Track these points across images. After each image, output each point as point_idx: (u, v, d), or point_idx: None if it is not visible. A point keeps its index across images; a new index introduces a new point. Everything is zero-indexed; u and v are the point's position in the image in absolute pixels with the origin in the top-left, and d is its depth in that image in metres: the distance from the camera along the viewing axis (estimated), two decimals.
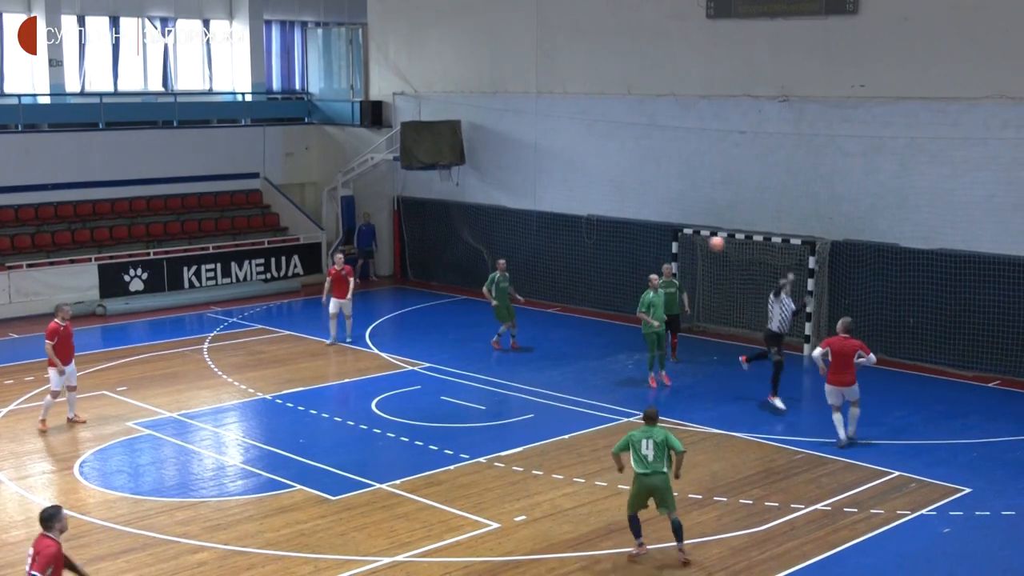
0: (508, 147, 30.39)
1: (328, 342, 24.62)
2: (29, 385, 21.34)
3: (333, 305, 24.57)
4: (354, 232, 33.36)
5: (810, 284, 23.78)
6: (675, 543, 13.56)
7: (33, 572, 10.64)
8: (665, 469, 13.47)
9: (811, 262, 23.88)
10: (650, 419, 13.81)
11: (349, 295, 24.58)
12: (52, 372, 18.87)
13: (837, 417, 17.93)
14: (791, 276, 20.97)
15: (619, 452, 13.74)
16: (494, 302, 24.19)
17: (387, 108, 33.34)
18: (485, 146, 30.95)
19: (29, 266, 28.17)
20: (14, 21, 29.87)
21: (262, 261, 31.63)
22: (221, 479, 16.75)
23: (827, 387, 17.80)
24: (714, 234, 24.19)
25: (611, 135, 28.10)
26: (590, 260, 28.45)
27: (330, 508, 15.39)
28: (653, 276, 21.77)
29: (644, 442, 13.51)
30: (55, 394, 18.88)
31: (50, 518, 10.99)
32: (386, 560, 13.65)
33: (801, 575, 13.38)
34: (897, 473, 16.65)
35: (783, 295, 20.10)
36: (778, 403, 19.81)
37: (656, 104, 27.10)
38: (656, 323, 20.90)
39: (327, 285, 24.78)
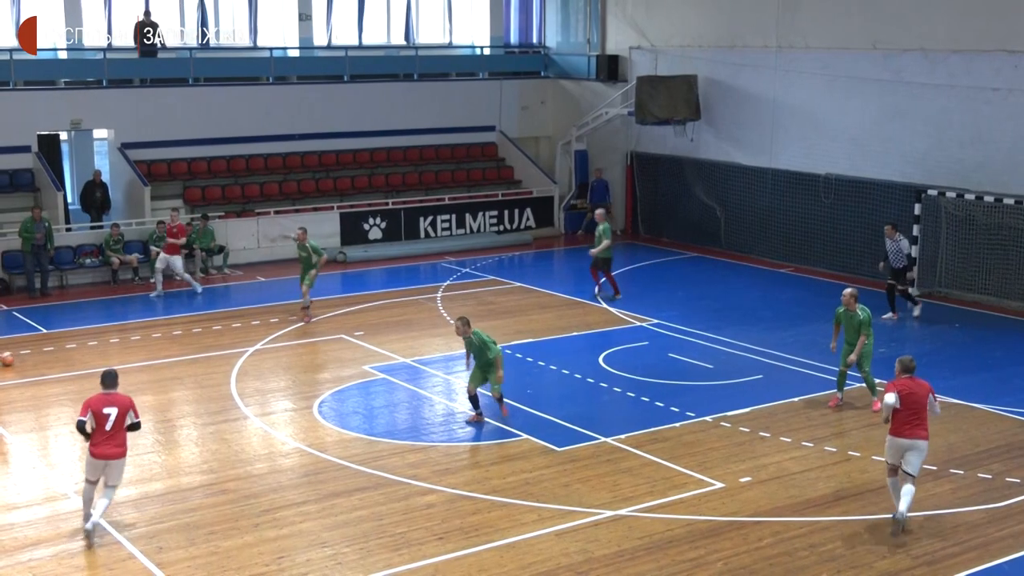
0: (745, 103, 29.78)
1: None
2: (274, 326, 22.36)
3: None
4: (587, 186, 33.45)
5: None
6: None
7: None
8: None
9: None
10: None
11: None
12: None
13: (893, 481, 13.55)
14: None
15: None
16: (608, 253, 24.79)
17: (623, 62, 33.16)
18: (721, 102, 30.42)
19: (276, 212, 29.44)
20: None
21: (495, 213, 32.11)
22: (450, 425, 17.18)
23: (891, 440, 13.32)
24: (960, 196, 23.22)
25: (853, 91, 27.14)
26: (826, 220, 27.65)
27: (555, 459, 15.57)
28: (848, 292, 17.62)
29: None
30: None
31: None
32: (608, 513, 13.74)
33: None
34: None
35: None
36: None
37: (903, 59, 26.00)
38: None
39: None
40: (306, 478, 15.02)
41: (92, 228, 27.86)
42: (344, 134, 31.92)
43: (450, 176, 33.06)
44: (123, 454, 12.99)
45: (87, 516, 12.98)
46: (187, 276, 25.54)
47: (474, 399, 17.07)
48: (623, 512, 13.76)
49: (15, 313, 23.88)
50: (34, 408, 18.00)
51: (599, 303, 24.45)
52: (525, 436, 16.40)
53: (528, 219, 32.61)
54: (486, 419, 17.07)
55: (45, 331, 22.43)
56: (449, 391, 18.86)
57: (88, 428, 12.74)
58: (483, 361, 16.87)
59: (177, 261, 25.29)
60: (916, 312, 23.10)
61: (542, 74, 35.66)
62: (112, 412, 12.78)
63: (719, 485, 14.57)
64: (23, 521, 13.63)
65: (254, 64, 31.46)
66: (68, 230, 27.47)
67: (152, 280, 25.71)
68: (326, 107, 31.53)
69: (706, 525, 13.42)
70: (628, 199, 33.23)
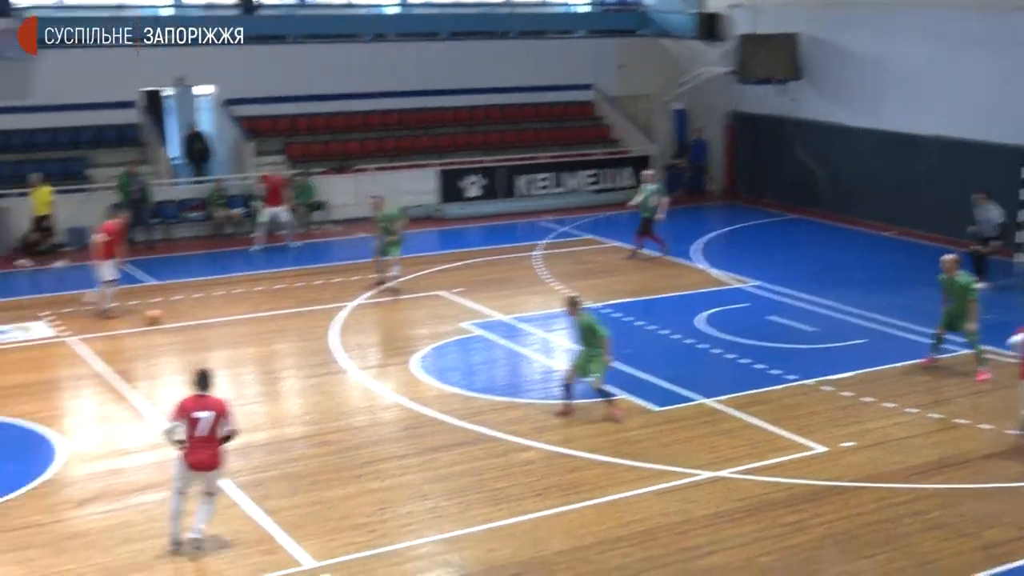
0: (848, 62, 29.18)
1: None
2: (374, 282, 22.57)
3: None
4: (686, 146, 33.15)
5: None
6: None
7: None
8: None
9: None
10: None
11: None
12: (102, 264, 20.15)
13: None
14: None
15: None
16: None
17: (723, 20, 32.68)
18: (824, 60, 29.86)
19: (376, 169, 29.64)
20: None
21: (593, 172, 31.97)
22: (548, 383, 17.21)
23: None
24: None
25: (962, 50, 26.41)
26: (932, 182, 27.05)
27: (654, 419, 15.54)
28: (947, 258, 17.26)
29: None
30: (109, 283, 20.22)
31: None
32: (707, 474, 13.68)
33: None
34: None
35: None
36: None
37: (1015, 17, 25.23)
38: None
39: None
40: (406, 432, 15.19)
41: (195, 183, 28.34)
42: (443, 91, 31.97)
43: (548, 134, 32.98)
44: (218, 464, 11.81)
45: (173, 536, 11.73)
46: (289, 228, 25.97)
47: (568, 388, 15.77)
48: (723, 473, 13.70)
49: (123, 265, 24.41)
50: (144, 357, 18.45)
51: (666, 257, 24.63)
52: (623, 395, 16.36)
53: (626, 178, 32.41)
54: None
55: (152, 282, 22.92)
56: (547, 349, 18.89)
57: (180, 435, 11.68)
58: (587, 345, 15.46)
59: (281, 213, 25.65)
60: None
61: (640, 32, 35.29)
62: (205, 416, 11.66)
63: (821, 449, 14.42)
64: (134, 466, 14.00)
65: (353, 22, 31.61)
66: (173, 184, 27.96)
67: (254, 234, 26.11)
68: (424, 65, 31.59)
69: (807, 489, 13.30)
70: (728, 159, 32.87)
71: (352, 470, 13.87)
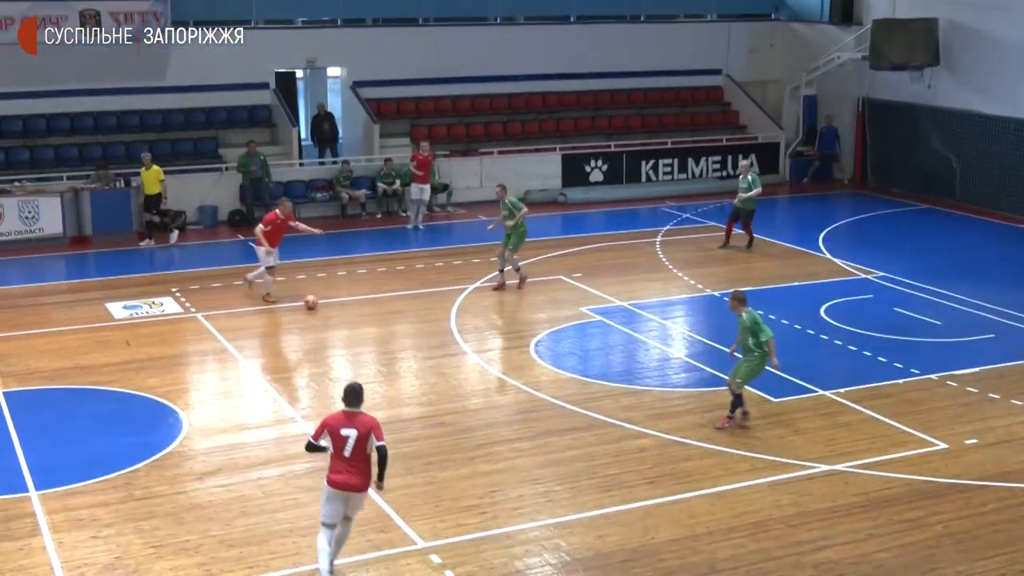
0: (990, 48, 28.24)
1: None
2: (494, 265, 22.64)
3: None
4: (815, 133, 32.54)
5: None
6: None
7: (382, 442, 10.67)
8: None
9: None
10: None
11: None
12: (258, 249, 20.28)
13: None
14: None
15: None
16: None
17: (858, 4, 31.96)
18: (963, 46, 28.95)
19: (500, 152, 29.75)
20: None
21: (719, 158, 31.59)
22: (665, 370, 17.12)
23: None
24: None
25: None
26: None
27: (771, 409, 15.32)
28: None
29: None
30: (270, 270, 20.26)
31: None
32: (824, 467, 13.45)
33: None
34: None
35: None
36: None
37: None
38: None
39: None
40: (520, 415, 15.25)
41: (322, 164, 28.82)
42: (568, 75, 31.90)
43: (673, 120, 32.67)
44: (366, 486, 10.75)
45: (323, 571, 10.80)
46: (423, 209, 26.65)
47: (738, 399, 14.63)
48: (839, 467, 13.46)
49: (250, 243, 24.94)
50: (266, 335, 18.87)
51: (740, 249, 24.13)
52: None
53: (753, 165, 31.92)
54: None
55: (277, 262, 23.34)
56: (665, 336, 18.77)
57: (323, 444, 10.74)
58: (750, 345, 14.55)
59: (427, 191, 26.58)
60: None
61: (772, 16, 34.71)
62: (351, 435, 10.56)
63: (942, 446, 14.06)
64: (254, 441, 14.32)
65: (483, 4, 31.71)
66: (301, 165, 28.48)
67: (408, 213, 27.10)
68: (551, 48, 31.55)
69: (927, 486, 12.98)
70: (858, 147, 32.14)
71: (465, 452, 13.98)
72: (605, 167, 30.48)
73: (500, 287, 21.02)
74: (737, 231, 24.33)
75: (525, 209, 21.16)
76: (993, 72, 28.23)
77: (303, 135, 30.43)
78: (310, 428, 14.47)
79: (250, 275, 20.82)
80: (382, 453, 10.64)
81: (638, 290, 21.17)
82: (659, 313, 19.89)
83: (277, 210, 20.49)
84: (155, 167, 24.93)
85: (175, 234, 25.24)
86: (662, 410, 15.33)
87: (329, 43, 29.51)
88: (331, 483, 10.68)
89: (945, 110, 29.45)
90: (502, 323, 19.35)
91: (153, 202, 24.98)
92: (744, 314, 14.55)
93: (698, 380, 16.62)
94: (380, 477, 10.71)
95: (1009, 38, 27.69)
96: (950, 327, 18.95)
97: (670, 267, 22.84)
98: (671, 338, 18.71)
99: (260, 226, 20.37)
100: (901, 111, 30.61)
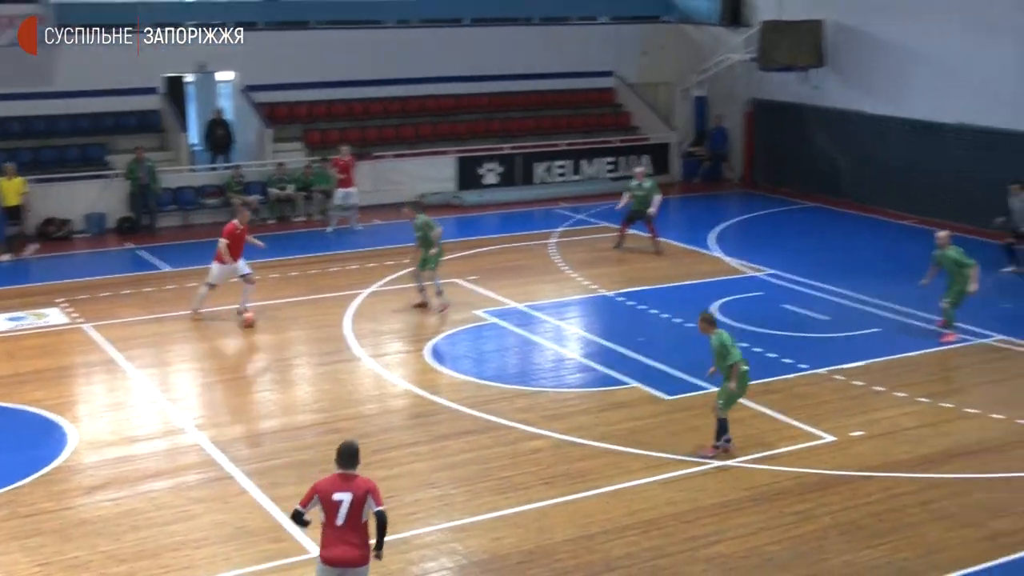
0: (873, 48, 28.93)
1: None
2: (390, 268, 22.60)
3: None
4: (706, 133, 33.01)
5: None
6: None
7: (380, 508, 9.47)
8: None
9: None
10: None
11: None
12: (215, 265, 19.35)
13: None
14: None
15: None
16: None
17: (746, 6, 32.52)
18: (848, 47, 29.62)
19: (394, 156, 29.64)
20: None
21: (612, 160, 31.87)
22: (560, 371, 17.22)
23: None
24: None
25: (990, 36, 26.11)
26: (955, 171, 26.81)
27: (664, 407, 15.51)
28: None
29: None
30: (211, 286, 19.40)
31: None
32: (716, 463, 13.65)
33: None
34: None
35: None
36: None
37: None
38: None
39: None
40: (416, 420, 15.23)
41: (213, 169, 28.44)
42: (462, 78, 31.93)
43: (566, 122, 32.89)
44: (365, 558, 9.42)
45: None
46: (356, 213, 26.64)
47: (722, 425, 13.87)
48: (731, 463, 13.67)
49: (139, 252, 24.59)
50: (156, 344, 18.53)
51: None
52: (634, 383, 16.35)
53: (645, 166, 32.26)
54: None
55: (167, 269, 23.03)
56: (559, 337, 18.88)
57: (307, 519, 9.52)
58: (721, 367, 13.85)
59: (352, 194, 26.45)
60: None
61: (662, 18, 35.12)
62: (345, 499, 9.30)
63: (830, 439, 14.37)
64: (144, 453, 14.08)
65: (376, 7, 31.60)
66: (191, 171, 28.06)
67: (329, 215, 26.92)
68: (445, 51, 31.54)
69: (815, 478, 13.26)
70: (747, 147, 32.70)
71: (361, 458, 13.84)
72: (500, 169, 30.57)
73: (423, 305, 20.00)
74: (635, 233, 24.42)
75: (439, 229, 19.98)
76: (876, 72, 28.93)
77: (194, 140, 29.98)
78: (201, 438, 14.38)
79: (241, 301, 19.57)
80: (381, 519, 9.39)
81: (533, 292, 21.27)
82: (554, 314, 20.00)
83: (235, 220, 19.70)
84: (17, 178, 24.26)
85: (32, 247, 24.58)
86: (557, 411, 15.42)
87: (220, 47, 29.09)
88: (325, 560, 9.38)
89: (831, 110, 30.10)
90: (397, 327, 19.28)
91: (13, 213, 24.32)
92: (713, 336, 13.76)
93: (592, 380, 16.75)
94: (379, 546, 9.45)
95: (891, 39, 28.40)
96: (837, 322, 19.38)
97: (564, 268, 22.99)
98: (565, 339, 18.83)
99: (223, 240, 19.24)
100: (789, 111, 31.21)
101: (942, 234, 18.57)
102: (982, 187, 25.98)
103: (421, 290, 19.95)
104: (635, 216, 24.34)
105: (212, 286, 19.55)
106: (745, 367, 13.78)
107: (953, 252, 18.20)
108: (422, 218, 19.88)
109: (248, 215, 20.22)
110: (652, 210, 24.04)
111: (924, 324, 19.11)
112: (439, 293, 19.88)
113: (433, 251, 19.74)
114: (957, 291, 18.19)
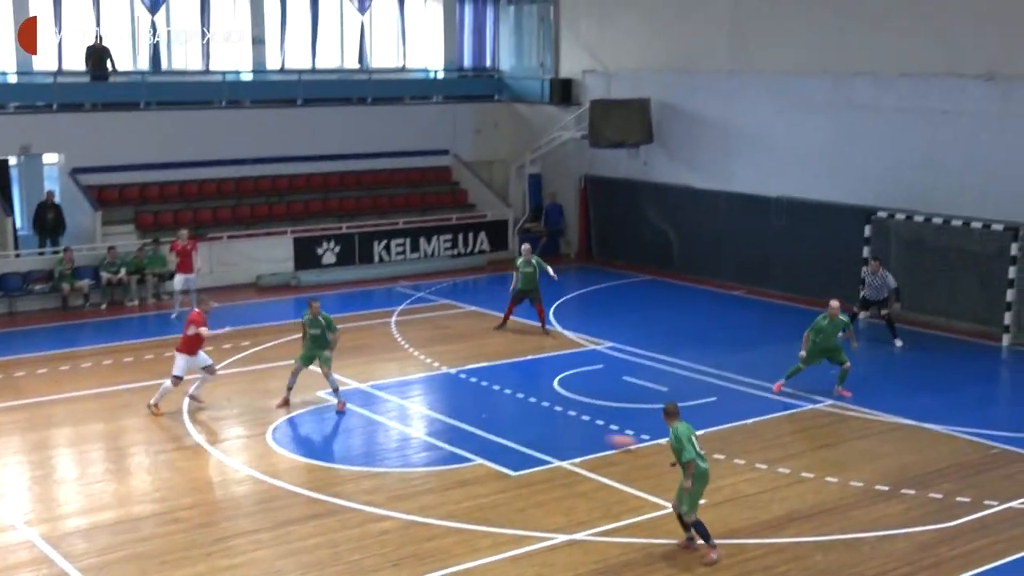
0: (697, 126, 29.99)
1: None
2: (227, 352, 22.18)
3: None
4: (541, 210, 33.55)
5: (1011, 272, 22.78)
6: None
7: None
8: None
9: (1013, 248, 22.85)
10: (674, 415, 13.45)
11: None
12: (181, 359, 18.64)
13: None
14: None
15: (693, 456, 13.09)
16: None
17: (576, 86, 33.34)
18: (674, 125, 30.62)
19: (229, 237, 29.24)
20: (218, 5, 31.25)
21: (450, 237, 32.07)
22: (405, 450, 17.12)
23: None
24: (910, 217, 23.51)
25: (805, 114, 27.40)
26: (779, 242, 27.86)
27: (510, 483, 15.54)
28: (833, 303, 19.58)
29: (694, 438, 13.36)
30: (176, 380, 18.70)
31: None
32: (564, 537, 13.72)
33: (992, 575, 12.88)
34: None
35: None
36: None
37: (853, 83, 26.31)
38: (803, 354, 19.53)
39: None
40: (260, 506, 14.90)
41: (41, 254, 27.55)
42: (298, 158, 31.81)
43: (404, 200, 33.01)
44: None
45: None
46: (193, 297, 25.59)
47: (698, 526, 13.18)
48: (578, 536, 13.75)
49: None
50: None
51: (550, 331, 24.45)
52: (480, 460, 16.35)
53: (482, 243, 32.59)
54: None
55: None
56: (403, 416, 18.79)
57: None
58: (679, 462, 13.34)
59: (192, 280, 25.71)
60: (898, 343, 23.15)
61: (496, 98, 35.74)
62: None
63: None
64: None
65: (207, 88, 31.31)
66: (17, 256, 27.15)
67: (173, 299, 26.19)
68: (279, 131, 31.40)
69: (662, 549, 13.43)
70: (582, 222, 33.33)
71: (203, 548, 13.53)
72: (338, 249, 30.42)
73: (285, 403, 19.08)
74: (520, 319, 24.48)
75: (339, 331, 19.29)
76: (702, 148, 29.95)
77: (19, 224, 29.02)
78: (32, 534, 13.79)
79: (191, 389, 18.94)
80: None
81: (375, 371, 21.15)
82: (397, 393, 19.92)
83: (198, 308, 18.98)
84: None
85: None
86: (403, 491, 15.30)
87: (45, 129, 28.40)
88: None
89: (661, 185, 30.96)
90: (238, 412, 18.89)
91: None
92: (671, 429, 13.35)
93: (438, 458, 16.69)
94: None
95: (714, 116, 29.48)
96: (675, 392, 19.62)
97: (406, 346, 22.94)
98: (410, 417, 18.76)
99: (204, 330, 18.51)
100: (621, 187, 31.98)
101: (836, 304, 19.40)
102: (805, 257, 27.04)
103: (290, 389, 19.15)
104: (521, 296, 24.10)
105: (178, 379, 18.68)
106: (704, 465, 13.20)
107: (842, 319, 19.28)
108: (324, 315, 19.19)
109: (211, 305, 19.42)
110: (553, 275, 24.29)
111: (758, 391, 19.66)
112: (336, 391, 18.92)
113: (327, 356, 18.88)
114: (819, 350, 19.29)
